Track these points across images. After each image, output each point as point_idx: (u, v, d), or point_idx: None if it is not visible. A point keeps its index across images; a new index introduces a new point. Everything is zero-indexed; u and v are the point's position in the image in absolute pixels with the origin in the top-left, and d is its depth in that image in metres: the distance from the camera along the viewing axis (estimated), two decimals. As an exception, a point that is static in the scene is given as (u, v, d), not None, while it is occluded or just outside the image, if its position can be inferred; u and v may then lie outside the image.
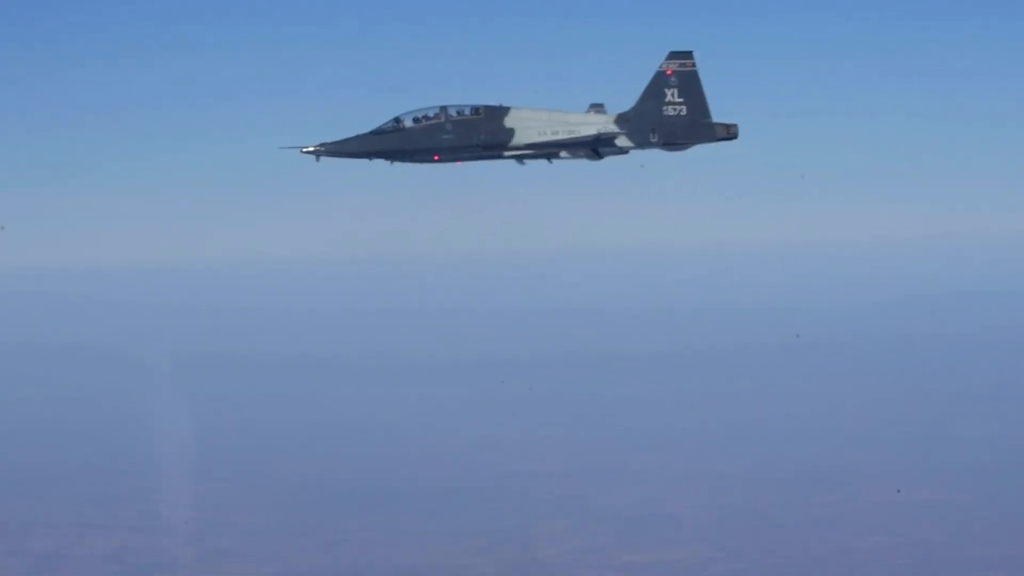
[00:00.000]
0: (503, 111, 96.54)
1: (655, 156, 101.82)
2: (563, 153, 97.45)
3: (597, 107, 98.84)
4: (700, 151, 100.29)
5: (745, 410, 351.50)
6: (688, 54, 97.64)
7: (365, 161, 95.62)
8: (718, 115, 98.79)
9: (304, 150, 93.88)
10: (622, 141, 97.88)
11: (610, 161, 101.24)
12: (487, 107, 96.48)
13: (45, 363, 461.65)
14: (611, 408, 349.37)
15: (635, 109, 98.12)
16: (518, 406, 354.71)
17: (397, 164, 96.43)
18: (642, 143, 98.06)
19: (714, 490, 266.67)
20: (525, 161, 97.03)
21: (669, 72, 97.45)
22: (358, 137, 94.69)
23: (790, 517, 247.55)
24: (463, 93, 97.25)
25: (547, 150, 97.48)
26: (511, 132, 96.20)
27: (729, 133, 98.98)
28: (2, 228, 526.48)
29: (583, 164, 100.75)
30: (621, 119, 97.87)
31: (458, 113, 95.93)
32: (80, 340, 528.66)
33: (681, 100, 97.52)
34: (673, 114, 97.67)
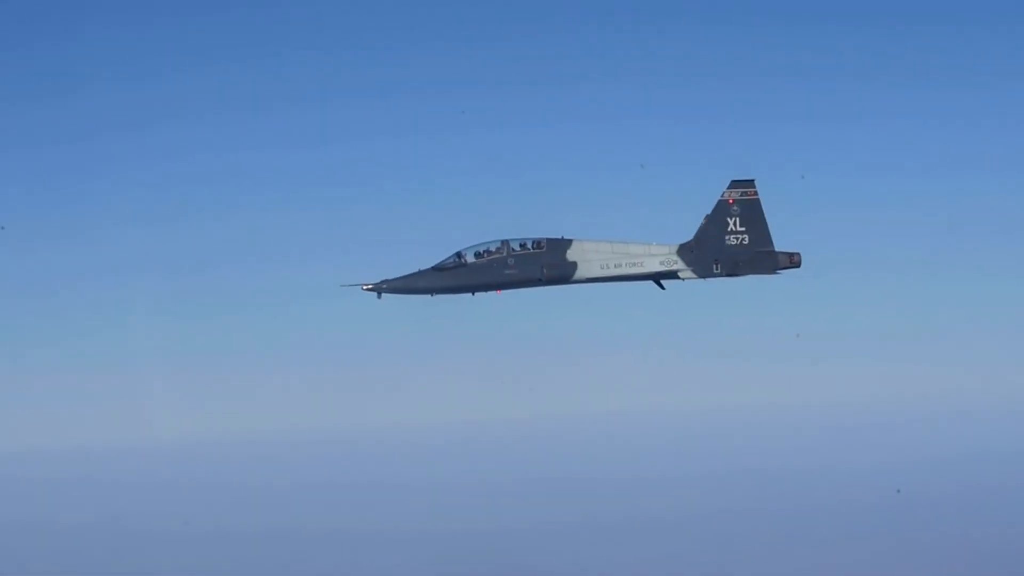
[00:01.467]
0: (565, 244, 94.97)
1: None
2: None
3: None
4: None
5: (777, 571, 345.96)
6: (750, 182, 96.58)
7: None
8: (781, 243, 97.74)
9: (365, 287, 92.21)
10: (685, 273, 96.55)
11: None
12: (549, 240, 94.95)
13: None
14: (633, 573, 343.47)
15: (697, 239, 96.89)
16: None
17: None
18: (704, 274, 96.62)
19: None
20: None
21: (731, 201, 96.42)
22: (420, 273, 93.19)
23: None
24: (520, 223, 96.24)
25: (608, 282, 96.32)
26: (574, 266, 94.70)
27: (792, 262, 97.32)
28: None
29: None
30: (684, 249, 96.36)
31: (520, 246, 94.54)
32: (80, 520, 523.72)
33: (743, 229, 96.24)
34: (735, 243, 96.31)
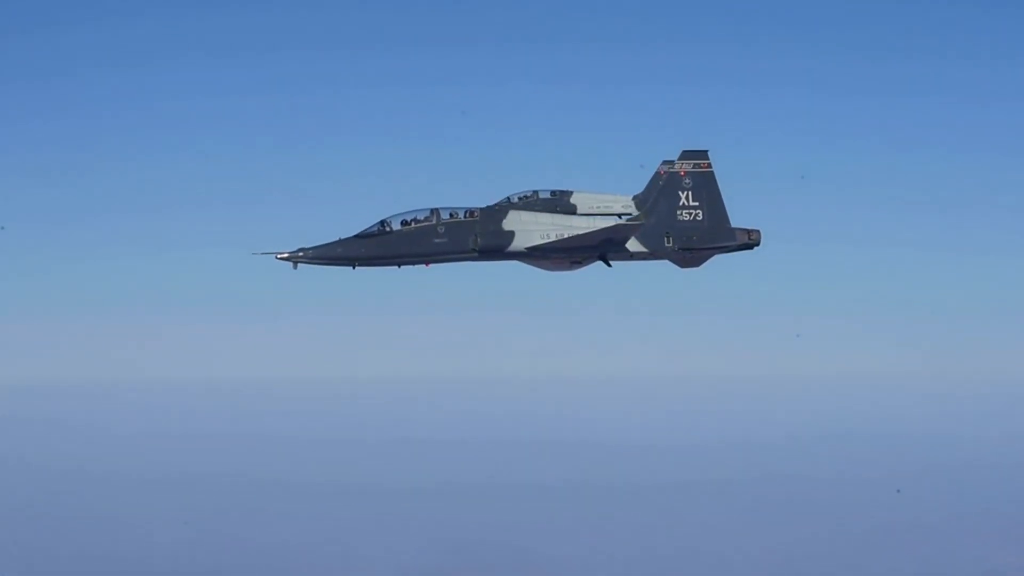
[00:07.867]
0: (501, 212, 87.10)
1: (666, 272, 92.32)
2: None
3: None
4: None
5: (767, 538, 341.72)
6: (703, 153, 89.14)
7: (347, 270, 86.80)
8: (737, 220, 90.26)
9: (279, 256, 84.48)
10: (633, 245, 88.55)
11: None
12: (483, 209, 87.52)
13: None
14: (628, 536, 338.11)
15: (646, 212, 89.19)
16: (536, 534, 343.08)
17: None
18: (656, 248, 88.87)
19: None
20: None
21: (683, 173, 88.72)
22: (341, 242, 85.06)
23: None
24: (459, 194, 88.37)
25: (550, 255, 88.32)
26: (510, 235, 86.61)
27: (751, 239, 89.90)
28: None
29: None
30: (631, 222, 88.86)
31: (451, 215, 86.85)
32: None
33: (696, 204, 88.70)
34: (688, 219, 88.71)
